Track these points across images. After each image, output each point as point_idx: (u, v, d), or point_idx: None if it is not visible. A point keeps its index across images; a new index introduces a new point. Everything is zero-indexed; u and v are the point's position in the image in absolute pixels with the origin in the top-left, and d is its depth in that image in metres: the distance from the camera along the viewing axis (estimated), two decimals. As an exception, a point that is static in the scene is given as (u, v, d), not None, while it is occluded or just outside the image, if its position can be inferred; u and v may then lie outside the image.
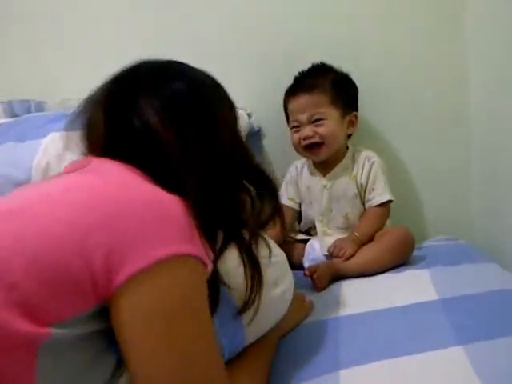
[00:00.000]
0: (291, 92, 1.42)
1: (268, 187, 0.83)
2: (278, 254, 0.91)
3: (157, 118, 0.73)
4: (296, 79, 1.44)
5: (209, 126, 0.77)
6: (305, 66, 1.43)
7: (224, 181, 0.76)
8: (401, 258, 1.25)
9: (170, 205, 0.63)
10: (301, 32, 1.52)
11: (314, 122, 1.36)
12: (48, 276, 0.56)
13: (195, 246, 0.63)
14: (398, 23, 1.51)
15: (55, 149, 1.18)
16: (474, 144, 1.52)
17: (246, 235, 0.79)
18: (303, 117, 1.37)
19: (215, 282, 0.72)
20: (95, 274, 0.57)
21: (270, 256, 0.84)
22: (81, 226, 0.58)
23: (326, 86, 1.36)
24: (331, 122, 1.36)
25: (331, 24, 1.51)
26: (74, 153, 0.80)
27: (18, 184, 1.13)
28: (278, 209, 0.84)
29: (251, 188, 0.81)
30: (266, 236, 0.90)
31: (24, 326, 0.54)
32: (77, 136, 0.79)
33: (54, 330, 0.55)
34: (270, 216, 0.83)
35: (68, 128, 0.80)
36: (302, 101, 1.37)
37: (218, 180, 0.75)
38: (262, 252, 0.84)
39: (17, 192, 0.70)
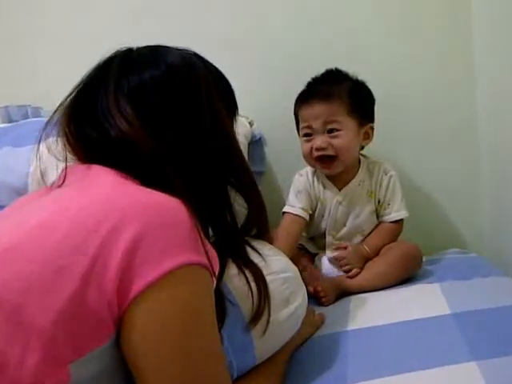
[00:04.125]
0: (304, 99, 1.35)
1: (251, 189, 0.82)
2: (290, 269, 0.90)
3: (125, 122, 0.70)
4: (310, 85, 1.37)
5: (188, 119, 0.74)
6: (308, 74, 1.40)
7: (211, 177, 0.75)
8: (408, 273, 1.24)
9: (175, 210, 0.62)
10: (304, 40, 1.53)
11: (329, 131, 1.29)
12: (63, 312, 0.55)
13: (202, 253, 0.62)
14: (403, 30, 1.52)
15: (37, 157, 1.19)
16: (485, 156, 1.52)
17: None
18: (317, 124, 1.29)
19: (220, 294, 0.71)
20: (110, 297, 0.56)
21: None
22: (85, 252, 0.57)
23: (343, 94, 1.29)
24: (348, 134, 1.29)
25: (334, 33, 1.53)
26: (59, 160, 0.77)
27: (14, 190, 1.14)
28: (264, 215, 0.84)
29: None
30: (276, 249, 0.90)
31: (44, 374, 0.54)
32: (57, 143, 0.77)
33: (72, 370, 0.55)
34: (259, 225, 0.83)
35: (40, 135, 0.78)
36: (316, 108, 1.29)
37: (205, 176, 0.74)
38: (275, 267, 0.84)
39: (8, 218, 0.68)
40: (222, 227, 0.77)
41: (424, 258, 1.30)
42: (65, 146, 0.75)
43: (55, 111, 0.77)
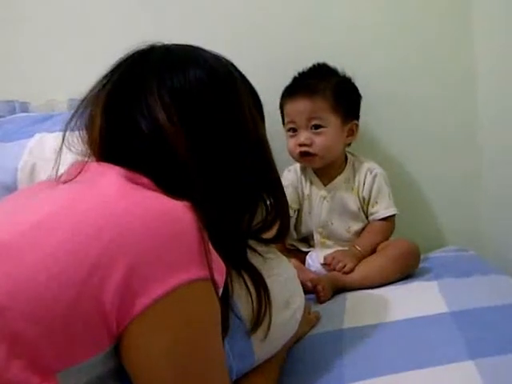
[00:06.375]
0: (290, 93, 1.39)
1: (282, 202, 0.81)
2: (290, 271, 0.90)
3: (166, 118, 0.68)
4: (296, 80, 1.41)
5: (228, 126, 0.72)
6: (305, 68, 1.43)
7: (237, 190, 0.73)
8: (405, 270, 1.26)
9: (182, 220, 0.60)
10: (301, 34, 1.53)
11: (312, 127, 1.34)
12: (53, 322, 0.54)
13: (207, 266, 0.60)
14: (403, 27, 1.53)
15: (41, 150, 1.19)
16: (484, 152, 1.53)
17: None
18: (301, 119, 1.34)
19: (226, 303, 0.70)
20: (106, 311, 0.55)
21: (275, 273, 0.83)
22: (83, 260, 0.55)
23: (328, 91, 1.34)
24: (331, 131, 1.34)
25: (333, 27, 1.53)
26: (71, 153, 0.75)
27: (3, 187, 1.14)
28: (287, 225, 0.83)
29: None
30: (274, 249, 0.90)
31: (31, 381, 0.52)
32: (75, 136, 0.74)
33: (60, 379, 0.54)
34: (279, 232, 0.82)
35: (65, 128, 0.75)
36: (301, 105, 1.34)
37: (230, 188, 0.72)
38: (275, 269, 0.84)
39: (5, 210, 0.66)
40: (234, 240, 0.74)
41: (422, 256, 1.32)
42: (83, 140, 0.73)
43: (81, 102, 0.74)
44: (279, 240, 0.84)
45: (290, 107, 1.37)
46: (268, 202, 0.78)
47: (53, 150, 0.76)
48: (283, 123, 1.43)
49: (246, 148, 0.74)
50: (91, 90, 0.74)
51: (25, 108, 1.53)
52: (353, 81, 1.42)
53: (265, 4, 1.55)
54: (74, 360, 0.55)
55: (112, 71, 0.75)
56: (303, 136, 1.34)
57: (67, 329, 0.54)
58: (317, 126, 1.34)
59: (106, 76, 0.74)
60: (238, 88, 0.76)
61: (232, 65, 0.80)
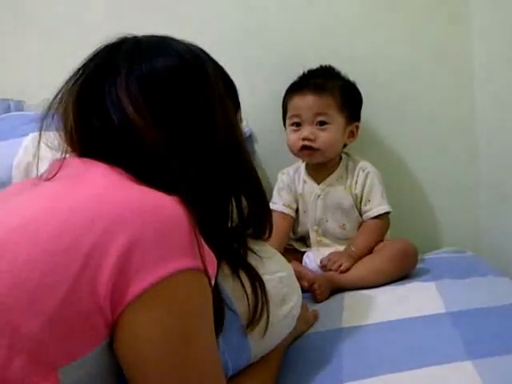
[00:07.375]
0: (297, 89, 1.40)
1: (260, 193, 0.81)
2: (286, 268, 0.89)
3: (133, 110, 0.68)
4: (303, 77, 1.43)
5: (199, 114, 0.72)
6: (299, 72, 1.44)
7: (218, 181, 0.73)
8: (402, 271, 1.26)
9: (172, 213, 0.61)
10: (297, 37, 1.54)
11: (318, 123, 1.36)
12: (52, 314, 0.54)
13: (199, 258, 0.61)
14: (403, 32, 1.54)
15: (36, 148, 1.19)
16: (482, 154, 1.54)
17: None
18: (308, 114, 1.36)
19: (219, 298, 0.70)
20: (101, 300, 0.56)
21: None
22: (77, 252, 0.56)
23: (336, 90, 1.37)
24: (335, 129, 1.36)
25: (330, 30, 1.54)
26: (52, 152, 0.75)
27: (-1, 183, 1.14)
28: (269, 218, 0.83)
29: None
30: (270, 247, 0.90)
31: (32, 379, 0.53)
32: (53, 135, 0.75)
33: (61, 375, 0.54)
34: (262, 226, 0.82)
35: (41, 122, 0.74)
36: (309, 99, 1.36)
37: (212, 180, 0.72)
38: (271, 267, 0.84)
39: None
40: (223, 230, 0.75)
41: (420, 257, 1.32)
42: (60, 136, 0.74)
43: (56, 96, 0.74)
44: (266, 233, 0.84)
45: (297, 102, 1.39)
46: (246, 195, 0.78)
47: (47, 149, 0.76)
48: (284, 119, 1.44)
49: (218, 138, 0.74)
50: (65, 84, 0.74)
51: (20, 107, 1.54)
52: (356, 85, 1.44)
53: (266, 6, 1.55)
54: (75, 353, 0.56)
55: (85, 64, 0.74)
56: (307, 130, 1.36)
57: (66, 320, 0.55)
58: (322, 123, 1.36)
59: (79, 69, 0.74)
60: (209, 76, 0.76)
61: (204, 53, 0.80)
